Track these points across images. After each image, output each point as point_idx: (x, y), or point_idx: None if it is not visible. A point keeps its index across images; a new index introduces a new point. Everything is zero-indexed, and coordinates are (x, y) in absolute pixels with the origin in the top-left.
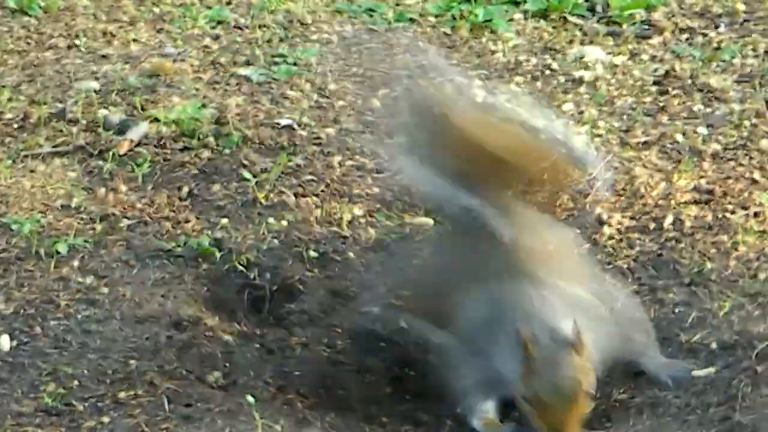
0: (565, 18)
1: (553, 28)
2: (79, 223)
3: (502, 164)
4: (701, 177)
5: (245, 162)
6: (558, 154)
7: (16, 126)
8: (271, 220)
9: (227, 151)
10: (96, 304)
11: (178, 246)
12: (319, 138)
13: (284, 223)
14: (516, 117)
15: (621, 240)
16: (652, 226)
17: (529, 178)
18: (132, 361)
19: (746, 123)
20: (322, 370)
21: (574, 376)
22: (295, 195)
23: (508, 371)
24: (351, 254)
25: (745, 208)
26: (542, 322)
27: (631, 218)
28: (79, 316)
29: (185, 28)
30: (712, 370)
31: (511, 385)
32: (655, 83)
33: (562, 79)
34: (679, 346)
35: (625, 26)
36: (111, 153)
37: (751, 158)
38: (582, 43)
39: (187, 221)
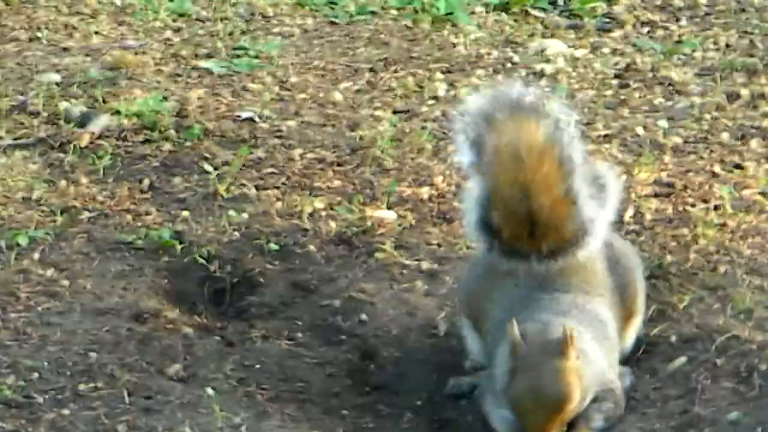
0: (526, 11)
1: (515, 21)
2: (39, 215)
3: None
4: (662, 170)
5: (206, 155)
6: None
7: None
8: (232, 212)
9: (188, 143)
10: (56, 296)
11: (139, 238)
12: (280, 131)
13: (245, 215)
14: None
15: None
16: (613, 218)
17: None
18: (92, 354)
19: (707, 116)
20: (282, 362)
21: (557, 383)
22: (256, 188)
23: (499, 371)
24: (312, 247)
25: (705, 201)
26: (538, 325)
27: None
28: (40, 309)
29: (147, 21)
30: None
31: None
32: (616, 76)
33: (523, 72)
34: (639, 339)
35: (586, 19)
36: (72, 145)
37: (711, 152)
38: (543, 36)
39: (148, 214)
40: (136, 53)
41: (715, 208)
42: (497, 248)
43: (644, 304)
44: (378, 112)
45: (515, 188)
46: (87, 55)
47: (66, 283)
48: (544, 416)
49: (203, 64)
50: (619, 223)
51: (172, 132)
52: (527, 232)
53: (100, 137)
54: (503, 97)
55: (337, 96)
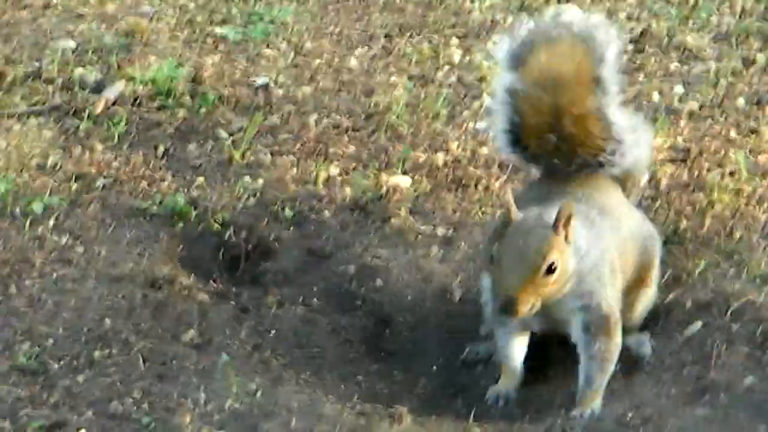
0: None
1: None
2: (54, 182)
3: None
4: (678, 136)
5: (221, 121)
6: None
7: None
8: (246, 179)
9: (203, 110)
10: (71, 263)
11: (154, 205)
12: (295, 97)
13: (260, 182)
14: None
15: None
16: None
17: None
18: (107, 320)
19: (723, 81)
20: (297, 328)
21: (540, 247)
22: (271, 154)
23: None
24: (327, 213)
25: (720, 166)
26: (540, 208)
27: None
28: (55, 276)
29: None
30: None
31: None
32: (631, 41)
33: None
34: (655, 305)
35: None
36: (87, 112)
37: (727, 117)
38: (559, 1)
39: (163, 180)
40: (150, 20)
41: (731, 173)
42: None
43: (656, 284)
44: (393, 78)
45: (545, 100)
46: (102, 21)
47: (81, 250)
48: (519, 279)
49: (218, 30)
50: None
51: (187, 99)
52: (554, 145)
53: (114, 104)
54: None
55: (352, 62)
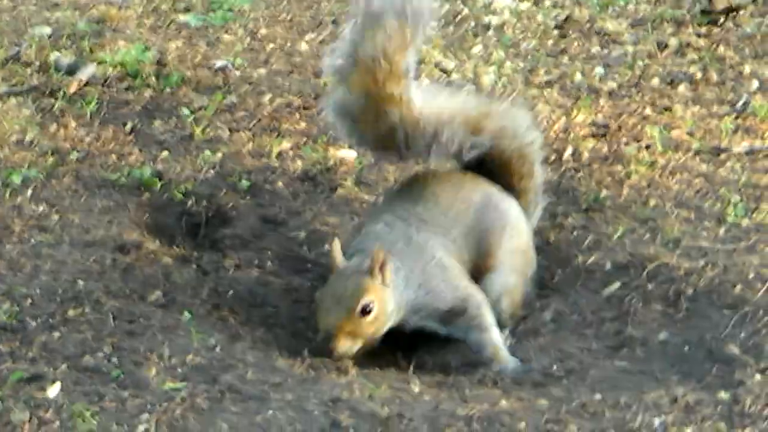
0: None
1: None
2: (32, 156)
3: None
4: (598, 113)
5: (184, 100)
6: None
7: None
8: (207, 153)
9: (168, 90)
10: (47, 230)
11: (123, 177)
12: (251, 78)
13: (219, 155)
14: None
15: None
16: (553, 157)
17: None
18: (80, 282)
19: (639, 63)
20: (253, 289)
21: (354, 291)
22: (230, 130)
23: None
24: (279, 184)
25: (637, 141)
26: (364, 256)
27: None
28: (32, 241)
29: None
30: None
31: None
32: (556, 27)
33: (472, 24)
34: (577, 267)
35: None
36: (62, 92)
37: (643, 95)
38: None
39: (131, 154)
40: (120, 8)
41: (647, 147)
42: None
43: (506, 268)
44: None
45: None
46: (75, 9)
47: (56, 217)
48: (335, 321)
49: (181, 17)
50: (559, 161)
51: (153, 80)
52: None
53: (87, 85)
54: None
55: (303, 46)
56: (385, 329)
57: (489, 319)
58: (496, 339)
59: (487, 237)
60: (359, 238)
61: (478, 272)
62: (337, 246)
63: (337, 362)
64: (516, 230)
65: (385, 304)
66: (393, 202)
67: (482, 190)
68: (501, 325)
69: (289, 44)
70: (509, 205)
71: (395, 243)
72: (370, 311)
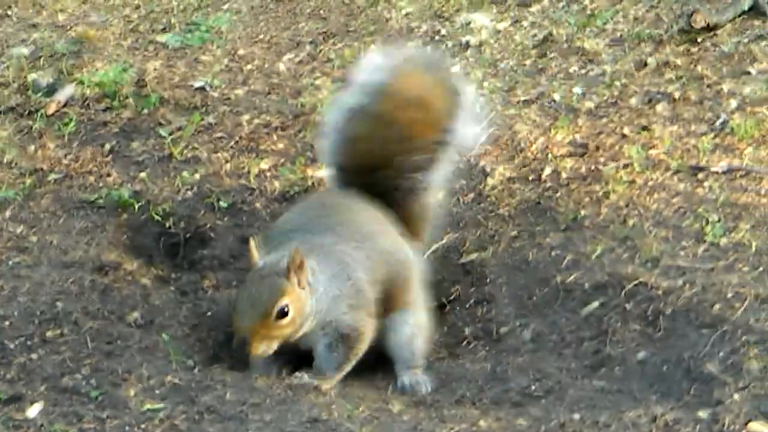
0: None
1: None
2: (10, 177)
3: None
4: (576, 132)
5: (162, 121)
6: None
7: None
8: (185, 173)
9: (146, 111)
10: (26, 251)
11: (101, 198)
12: (229, 98)
13: (197, 176)
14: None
15: (503, 190)
16: (531, 177)
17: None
18: (59, 303)
19: (617, 83)
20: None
21: (270, 295)
22: (207, 151)
23: None
24: (258, 204)
25: (615, 160)
26: (281, 253)
27: (513, 170)
28: (11, 263)
29: None
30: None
31: None
32: (534, 47)
33: (450, 43)
34: (556, 286)
35: None
36: (40, 113)
37: (621, 115)
38: (468, 10)
39: (109, 175)
40: (98, 29)
41: (625, 166)
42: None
43: (419, 305)
44: (318, 81)
45: None
46: (54, 30)
47: (34, 239)
48: (251, 323)
49: (159, 38)
50: (537, 181)
51: (131, 100)
52: None
53: (65, 106)
54: None
55: (281, 67)
56: (302, 330)
57: (354, 353)
58: (342, 369)
59: (402, 269)
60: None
61: (388, 305)
62: (254, 244)
63: (317, 388)
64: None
65: (302, 306)
66: (305, 213)
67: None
68: (415, 365)
69: (267, 65)
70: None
71: (314, 247)
72: (285, 314)
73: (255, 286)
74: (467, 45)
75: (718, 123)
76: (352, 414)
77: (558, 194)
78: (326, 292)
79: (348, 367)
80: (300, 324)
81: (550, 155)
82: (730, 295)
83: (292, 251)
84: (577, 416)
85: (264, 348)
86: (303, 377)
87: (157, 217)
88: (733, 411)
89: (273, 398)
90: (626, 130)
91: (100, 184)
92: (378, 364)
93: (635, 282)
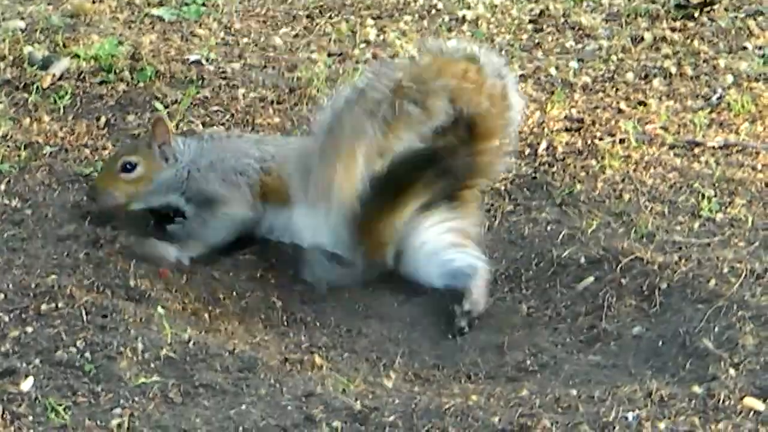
0: None
1: None
2: (5, 150)
3: None
4: (572, 107)
5: (158, 94)
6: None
7: None
8: None
9: (141, 84)
10: (21, 224)
11: (96, 171)
12: (225, 72)
13: None
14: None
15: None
16: (527, 151)
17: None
18: (53, 276)
19: (613, 58)
20: (226, 281)
21: (122, 152)
22: (203, 124)
23: None
24: None
25: (611, 135)
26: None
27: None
28: (5, 235)
29: None
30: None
31: None
32: (531, 22)
33: (446, 18)
34: (551, 261)
35: None
36: (35, 86)
37: (617, 90)
38: None
39: (105, 148)
40: (93, 2)
41: (621, 141)
42: None
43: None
44: (314, 55)
45: None
46: (49, 4)
47: (29, 212)
48: (100, 173)
49: (155, 11)
50: (533, 155)
51: (126, 74)
52: None
53: (60, 79)
54: None
55: (277, 40)
56: (167, 196)
57: (220, 222)
58: (207, 238)
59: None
60: None
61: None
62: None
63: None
64: None
65: (152, 170)
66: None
67: None
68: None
69: (263, 39)
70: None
71: (210, 135)
72: (130, 170)
73: (120, 149)
74: (463, 19)
75: (714, 98)
76: (347, 388)
77: (554, 169)
78: (193, 164)
79: (212, 239)
80: (148, 184)
81: (546, 130)
82: (725, 270)
83: (154, 119)
84: (572, 391)
85: (109, 194)
86: (165, 247)
87: None
88: (728, 386)
89: (268, 372)
90: (622, 105)
91: (96, 158)
92: (371, 340)
93: (631, 257)
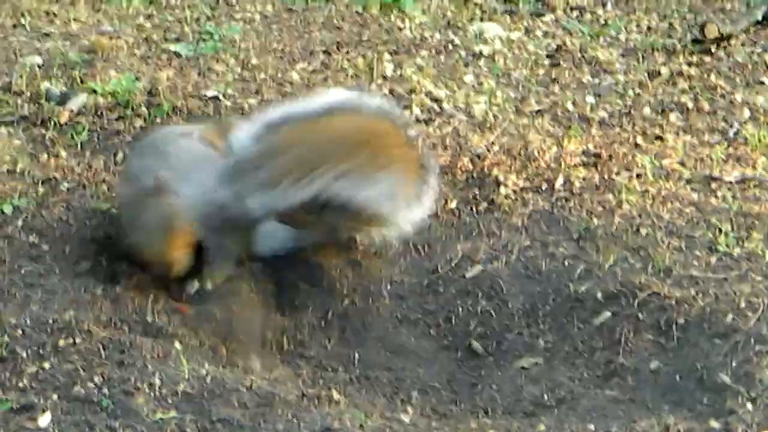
0: None
1: (456, 6)
2: (23, 186)
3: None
4: (589, 142)
5: None
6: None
7: None
8: None
9: (158, 120)
10: (38, 259)
11: (113, 207)
12: (242, 108)
13: None
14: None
15: (516, 199)
16: (544, 186)
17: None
18: (71, 312)
19: (630, 93)
20: (243, 316)
21: None
22: None
23: None
24: None
25: (628, 170)
26: None
27: (526, 179)
28: (23, 271)
29: (121, 8)
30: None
31: None
32: (548, 57)
33: (463, 53)
34: (568, 296)
35: (520, 5)
36: (53, 122)
37: (634, 125)
38: (482, 20)
39: None
40: (111, 38)
41: (638, 176)
42: None
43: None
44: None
45: None
46: (66, 39)
47: (47, 247)
48: None
49: (172, 47)
50: (550, 190)
51: (144, 109)
52: None
53: (78, 114)
54: None
55: (294, 76)
56: None
57: None
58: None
59: None
60: None
61: None
62: None
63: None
64: None
65: None
66: None
67: None
68: None
69: (280, 74)
70: None
71: None
72: None
73: None
74: (480, 54)
75: (731, 133)
76: (363, 423)
77: (571, 204)
78: None
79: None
80: None
81: (562, 165)
82: (743, 304)
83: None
84: (590, 426)
85: None
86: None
87: None
88: (745, 421)
89: (285, 407)
90: (639, 140)
91: (113, 194)
92: (388, 375)
93: (648, 292)
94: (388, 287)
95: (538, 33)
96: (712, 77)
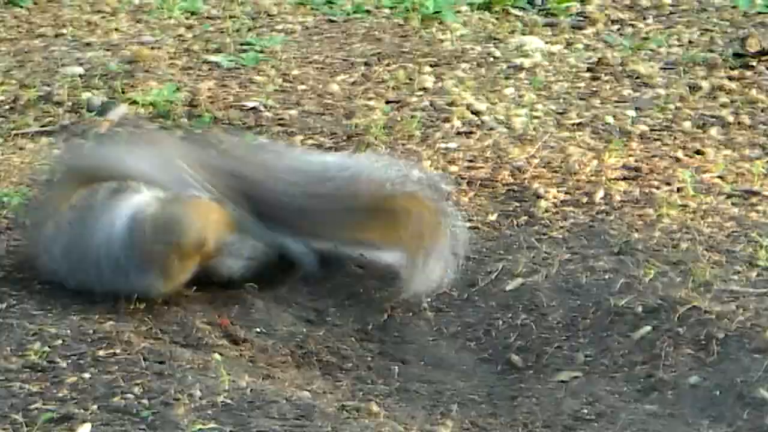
0: (507, 10)
1: (497, 19)
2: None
3: None
4: (629, 155)
5: None
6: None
7: (7, 107)
8: None
9: (199, 130)
10: None
11: None
12: (282, 119)
13: None
14: None
15: (556, 213)
16: (584, 200)
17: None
18: (110, 322)
19: (671, 106)
20: (283, 327)
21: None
22: None
23: None
24: None
25: (669, 184)
26: None
27: (566, 193)
28: None
29: (162, 19)
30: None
31: None
32: (588, 70)
33: (503, 66)
34: (608, 310)
35: (561, 18)
36: (93, 132)
37: (675, 138)
38: (522, 33)
39: None
40: (152, 48)
41: (678, 190)
42: None
43: None
44: (371, 102)
45: None
46: (107, 49)
47: None
48: None
49: (213, 58)
50: (590, 204)
51: (184, 120)
52: None
53: (118, 125)
54: None
55: (335, 87)
56: None
57: None
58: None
59: None
60: None
61: None
62: None
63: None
64: None
65: None
66: None
67: None
68: None
69: (320, 85)
70: None
71: None
72: None
73: None
74: (521, 67)
75: None
76: None
77: (611, 217)
78: None
79: None
80: None
81: (603, 178)
82: None
83: None
84: None
85: None
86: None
87: None
88: None
89: (324, 419)
90: (679, 154)
91: None
92: (428, 388)
93: (688, 306)
94: (428, 300)
95: (579, 46)
96: (753, 91)
